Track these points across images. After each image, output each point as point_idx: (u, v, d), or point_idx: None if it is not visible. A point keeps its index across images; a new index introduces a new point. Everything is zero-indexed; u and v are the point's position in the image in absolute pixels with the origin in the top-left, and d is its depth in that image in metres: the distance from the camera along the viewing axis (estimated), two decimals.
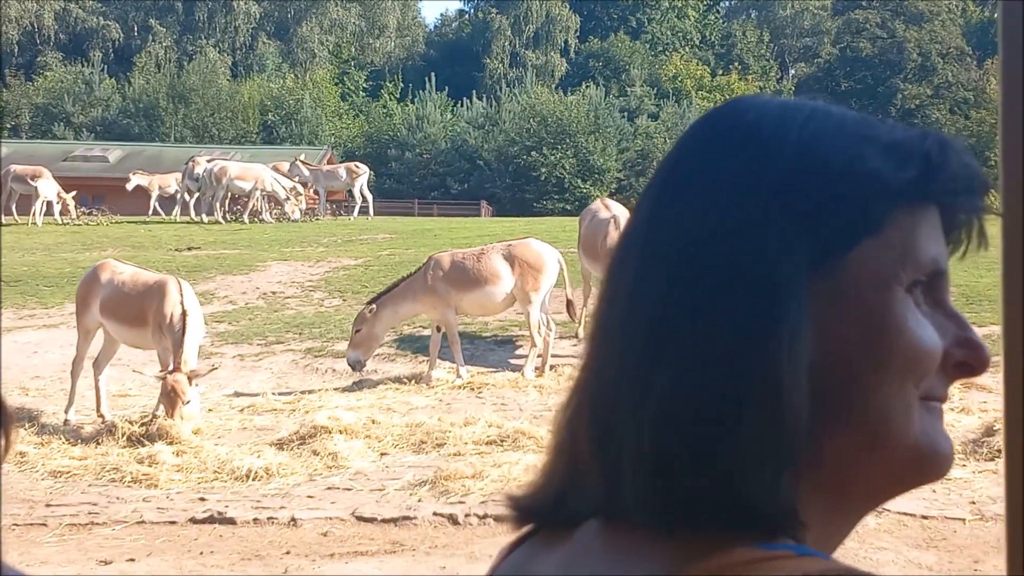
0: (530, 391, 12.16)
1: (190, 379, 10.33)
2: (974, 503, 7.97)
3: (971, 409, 10.05)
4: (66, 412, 11.38)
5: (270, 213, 31.64)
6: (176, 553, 7.75)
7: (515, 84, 68.67)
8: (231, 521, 8.25)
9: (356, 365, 12.85)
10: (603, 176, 58.22)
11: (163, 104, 64.71)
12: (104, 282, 11.41)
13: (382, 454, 9.87)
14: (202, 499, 8.75)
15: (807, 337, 0.78)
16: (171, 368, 10.35)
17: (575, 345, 14.29)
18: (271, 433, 10.64)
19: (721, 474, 0.76)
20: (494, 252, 13.11)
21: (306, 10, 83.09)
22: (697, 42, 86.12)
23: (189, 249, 23.62)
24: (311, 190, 34.55)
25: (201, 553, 7.75)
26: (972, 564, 7.07)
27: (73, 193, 32.02)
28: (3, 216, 30.35)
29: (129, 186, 35.70)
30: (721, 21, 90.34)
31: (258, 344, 14.86)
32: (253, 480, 9.19)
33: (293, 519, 8.25)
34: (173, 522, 8.30)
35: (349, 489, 8.94)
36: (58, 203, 31.56)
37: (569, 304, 13.55)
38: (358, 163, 35.88)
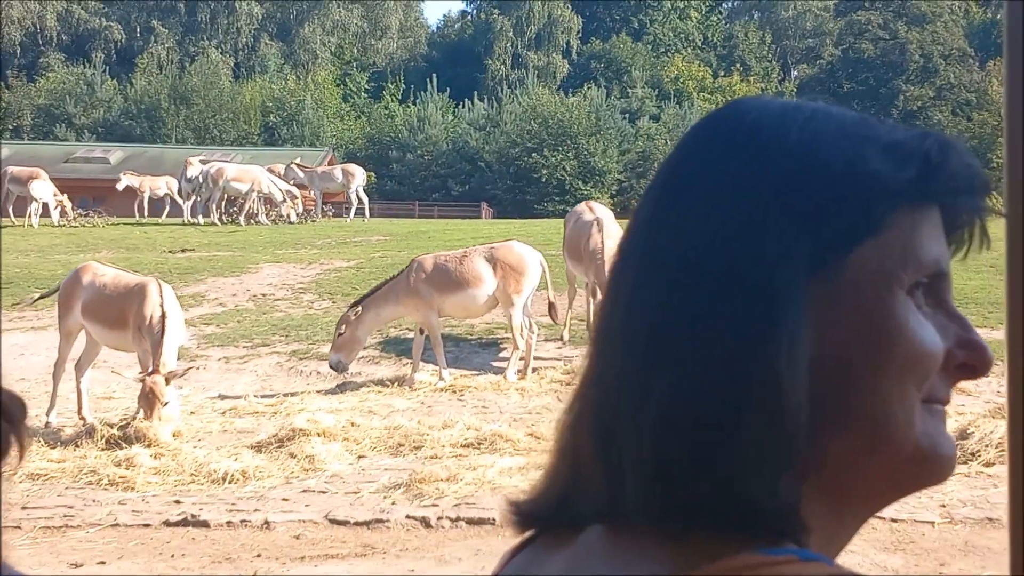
0: (512, 394, 12.16)
1: (168, 381, 10.34)
2: (944, 506, 7.98)
3: (947, 411, 10.04)
4: (47, 414, 11.41)
5: (266, 215, 31.67)
6: (147, 556, 7.78)
7: (517, 85, 68.64)
8: (204, 524, 8.27)
9: (338, 367, 12.86)
10: (604, 178, 58.19)
11: (165, 105, 64.73)
12: (86, 284, 11.44)
13: (360, 457, 9.88)
14: (177, 502, 8.76)
15: (806, 340, 0.78)
16: (150, 370, 10.36)
17: (559, 348, 14.30)
18: (251, 436, 10.66)
19: (721, 478, 0.77)
20: (476, 255, 13.13)
21: (308, 11, 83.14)
22: (699, 43, 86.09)
23: (183, 251, 23.63)
24: (310, 192, 34.64)
25: (172, 556, 7.77)
26: (938, 567, 7.08)
27: (65, 196, 32.04)
28: (1, 218, 30.41)
29: (119, 186, 35.74)
30: (723, 22, 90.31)
31: (244, 346, 14.88)
32: (229, 483, 9.20)
33: (266, 522, 8.27)
34: (147, 525, 8.32)
35: (324, 492, 8.96)
36: (56, 205, 31.60)
37: (551, 306, 13.56)
38: (354, 165, 35.88)
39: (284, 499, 8.80)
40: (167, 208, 35.82)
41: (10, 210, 31.24)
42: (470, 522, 8.12)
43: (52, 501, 8.88)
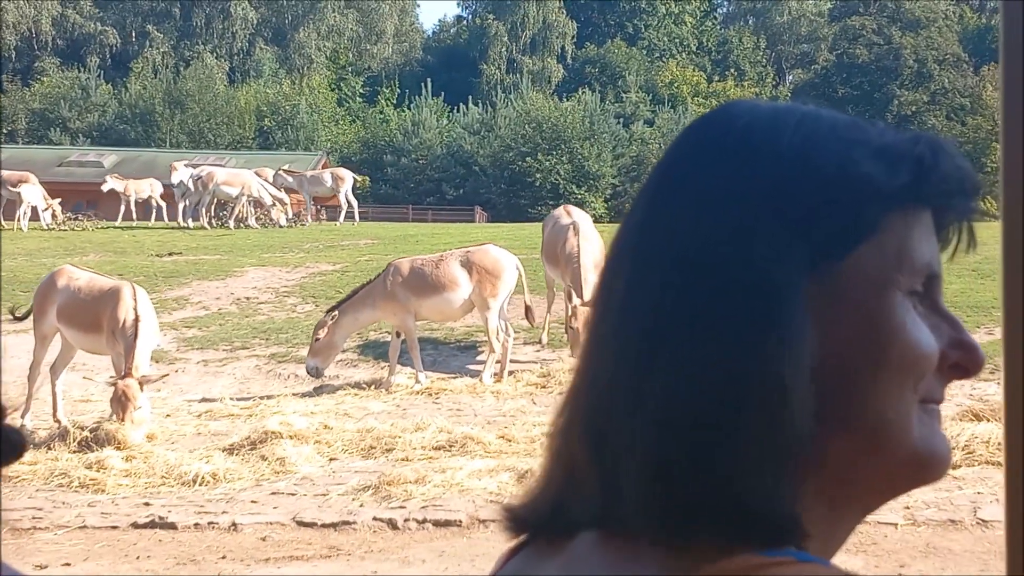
0: (487, 396, 12.19)
1: (141, 384, 10.36)
2: (908, 508, 7.98)
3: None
4: (22, 417, 11.42)
5: (256, 219, 31.69)
6: (113, 558, 7.79)
7: (512, 90, 68.66)
8: (172, 526, 8.27)
9: (315, 372, 12.89)
10: (598, 182, 58.28)
11: (159, 109, 64.73)
12: (61, 288, 11.47)
13: (331, 459, 9.91)
14: (147, 504, 8.78)
15: (808, 342, 0.78)
16: (122, 373, 10.38)
17: (538, 351, 14.32)
18: (224, 438, 10.68)
19: (723, 480, 0.76)
20: (452, 258, 13.17)
21: (303, 16, 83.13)
22: (694, 48, 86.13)
23: (170, 255, 23.63)
24: (301, 196, 34.68)
25: (138, 558, 7.79)
26: (898, 568, 7.10)
27: (57, 200, 32.04)
28: None
29: (104, 188, 35.75)
30: (718, 27, 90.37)
31: (223, 350, 14.89)
32: (200, 485, 9.22)
33: (234, 524, 8.28)
34: (115, 527, 8.33)
35: (293, 494, 8.97)
36: (46, 208, 31.60)
37: (527, 310, 13.58)
38: (343, 169, 35.88)
39: (253, 501, 8.81)
40: (160, 209, 35.80)
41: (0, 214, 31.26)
42: (436, 524, 8.13)
43: (22, 503, 8.88)
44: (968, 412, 9.89)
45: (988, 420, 9.65)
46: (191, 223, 31.24)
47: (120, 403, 10.27)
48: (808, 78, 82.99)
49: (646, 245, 0.83)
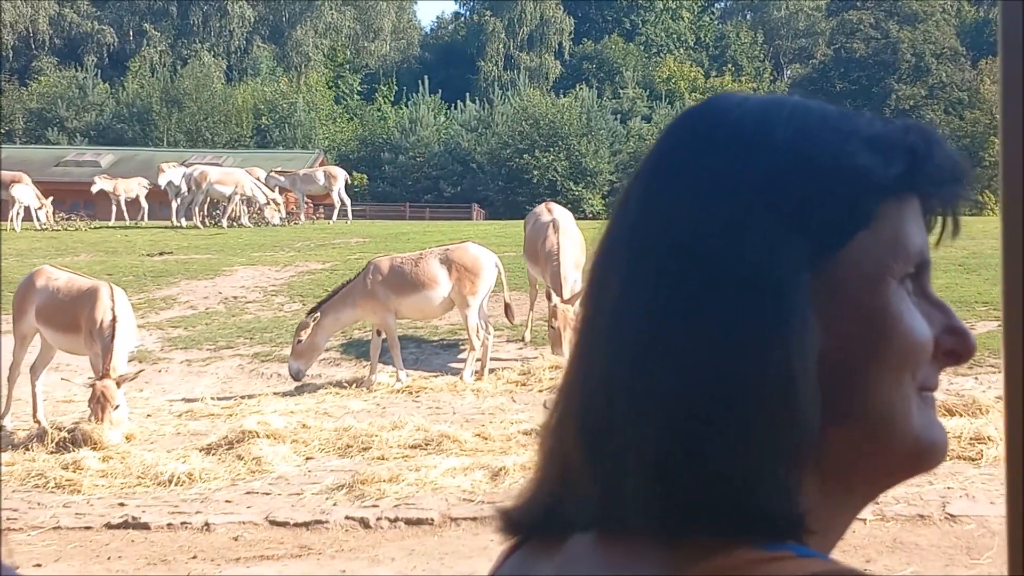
0: (467, 395, 12.19)
1: (119, 385, 10.38)
2: (877, 503, 7.95)
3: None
4: (1, 418, 11.44)
5: (249, 217, 31.70)
6: (84, 559, 7.80)
7: (509, 86, 68.68)
8: (145, 526, 8.28)
9: (297, 375, 12.88)
10: (595, 178, 58.31)
11: (156, 108, 64.80)
12: (39, 288, 11.49)
13: (307, 458, 9.89)
14: (122, 504, 8.77)
15: (813, 335, 0.78)
16: (100, 374, 10.40)
17: (520, 348, 14.31)
18: (203, 438, 10.66)
19: (725, 476, 0.76)
20: (432, 256, 13.16)
21: (301, 13, 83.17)
22: (691, 44, 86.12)
23: (161, 254, 23.62)
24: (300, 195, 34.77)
25: (109, 558, 7.80)
26: (864, 563, 7.10)
27: (50, 199, 32.06)
28: None
29: (93, 189, 35.77)
30: (715, 23, 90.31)
31: (207, 349, 14.89)
32: (176, 485, 9.22)
33: (207, 524, 8.28)
34: (88, 527, 8.34)
35: (268, 494, 8.97)
36: (40, 207, 31.61)
37: (507, 307, 13.57)
38: (336, 167, 35.87)
39: (227, 501, 8.81)
40: (144, 210, 35.83)
41: None
42: (408, 522, 8.14)
43: None
44: (941, 407, 9.89)
45: (961, 415, 9.67)
46: (184, 222, 31.25)
47: (98, 403, 10.28)
48: (806, 73, 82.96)
49: (641, 236, 0.83)
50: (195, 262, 22.03)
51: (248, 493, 9.01)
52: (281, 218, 31.66)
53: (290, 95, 69.68)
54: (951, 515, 7.77)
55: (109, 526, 8.33)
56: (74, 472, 9.46)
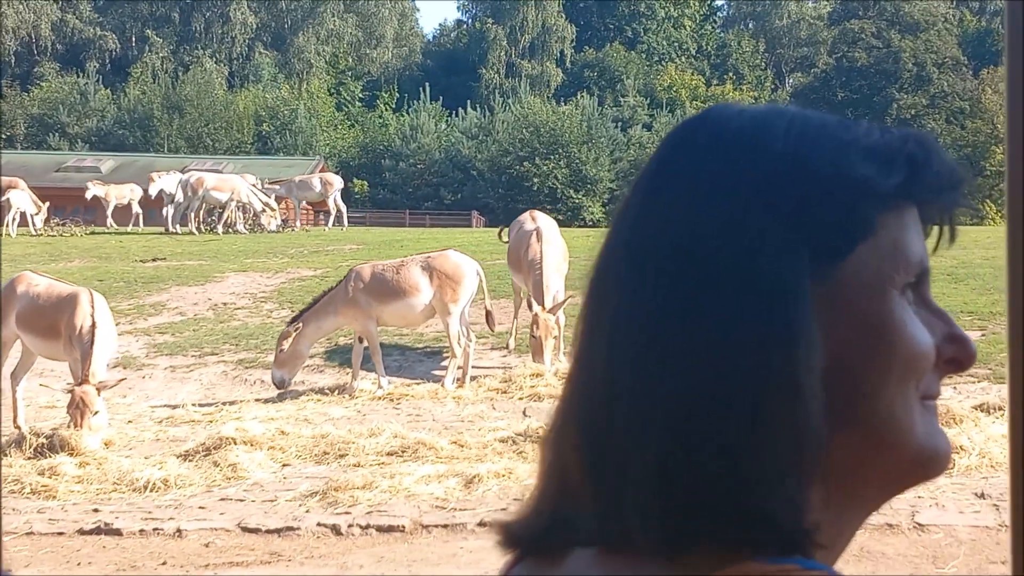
0: (448, 402, 12.21)
1: (99, 391, 10.41)
2: None
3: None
4: None
5: (244, 224, 31.75)
6: (54, 564, 7.81)
7: (511, 94, 68.78)
8: (117, 532, 8.28)
9: (282, 383, 12.89)
10: (596, 186, 58.35)
11: (158, 114, 64.90)
12: (20, 294, 11.51)
13: (284, 465, 9.91)
14: (96, 510, 8.78)
15: (818, 344, 0.78)
16: (80, 380, 10.42)
17: (504, 356, 14.34)
18: (182, 444, 10.68)
19: (736, 489, 0.75)
20: (413, 264, 13.18)
21: (303, 20, 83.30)
22: (693, 52, 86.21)
23: (154, 260, 23.67)
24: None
25: (79, 564, 7.81)
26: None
27: (46, 205, 32.13)
28: None
29: (87, 195, 35.84)
30: (717, 31, 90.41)
31: (192, 355, 14.91)
32: (151, 491, 9.22)
33: (179, 530, 8.29)
34: (61, 533, 8.34)
35: (242, 500, 8.98)
36: (37, 212, 31.68)
37: (488, 315, 13.59)
38: (332, 174, 35.92)
39: (201, 507, 8.83)
40: (137, 216, 35.92)
41: None
42: (379, 529, 8.15)
43: None
44: None
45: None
46: (179, 229, 31.30)
47: (77, 409, 10.30)
48: (807, 82, 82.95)
49: (639, 238, 0.83)
50: (187, 268, 22.07)
51: (222, 500, 9.02)
52: (277, 224, 31.72)
53: (291, 102, 69.83)
54: (919, 524, 7.76)
55: (81, 532, 8.33)
56: (50, 478, 9.46)
